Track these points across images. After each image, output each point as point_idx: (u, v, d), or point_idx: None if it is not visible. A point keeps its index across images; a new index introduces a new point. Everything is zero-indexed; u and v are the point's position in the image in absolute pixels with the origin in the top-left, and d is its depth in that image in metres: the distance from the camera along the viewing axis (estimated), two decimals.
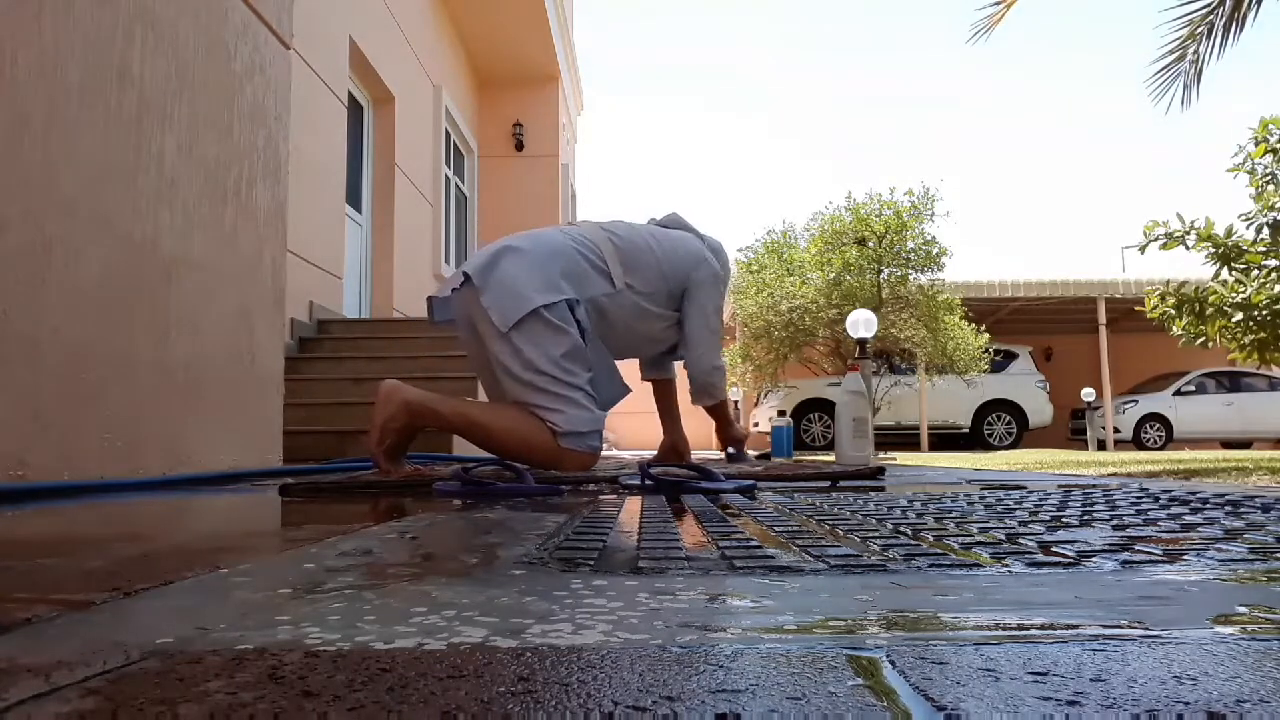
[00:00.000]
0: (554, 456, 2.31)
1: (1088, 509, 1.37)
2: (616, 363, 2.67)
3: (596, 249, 2.53)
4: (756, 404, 13.50)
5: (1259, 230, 5.38)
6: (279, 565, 0.86)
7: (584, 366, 2.39)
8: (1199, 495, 1.67)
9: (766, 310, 10.94)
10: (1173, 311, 5.76)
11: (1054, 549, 0.92)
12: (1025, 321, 16.58)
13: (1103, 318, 14.71)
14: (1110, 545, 0.95)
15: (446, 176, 9.68)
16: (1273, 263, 5.25)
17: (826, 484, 2.16)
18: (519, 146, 11.32)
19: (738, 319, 11.95)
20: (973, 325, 11.44)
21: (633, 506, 1.51)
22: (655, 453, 3.12)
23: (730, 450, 3.23)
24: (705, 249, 2.77)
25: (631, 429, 15.44)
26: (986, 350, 11.39)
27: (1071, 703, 0.40)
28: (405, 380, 2.43)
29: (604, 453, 2.50)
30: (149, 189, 2.63)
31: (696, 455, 3.79)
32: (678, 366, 3.02)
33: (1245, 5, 5.13)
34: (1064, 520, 1.21)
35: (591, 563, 0.85)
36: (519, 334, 2.31)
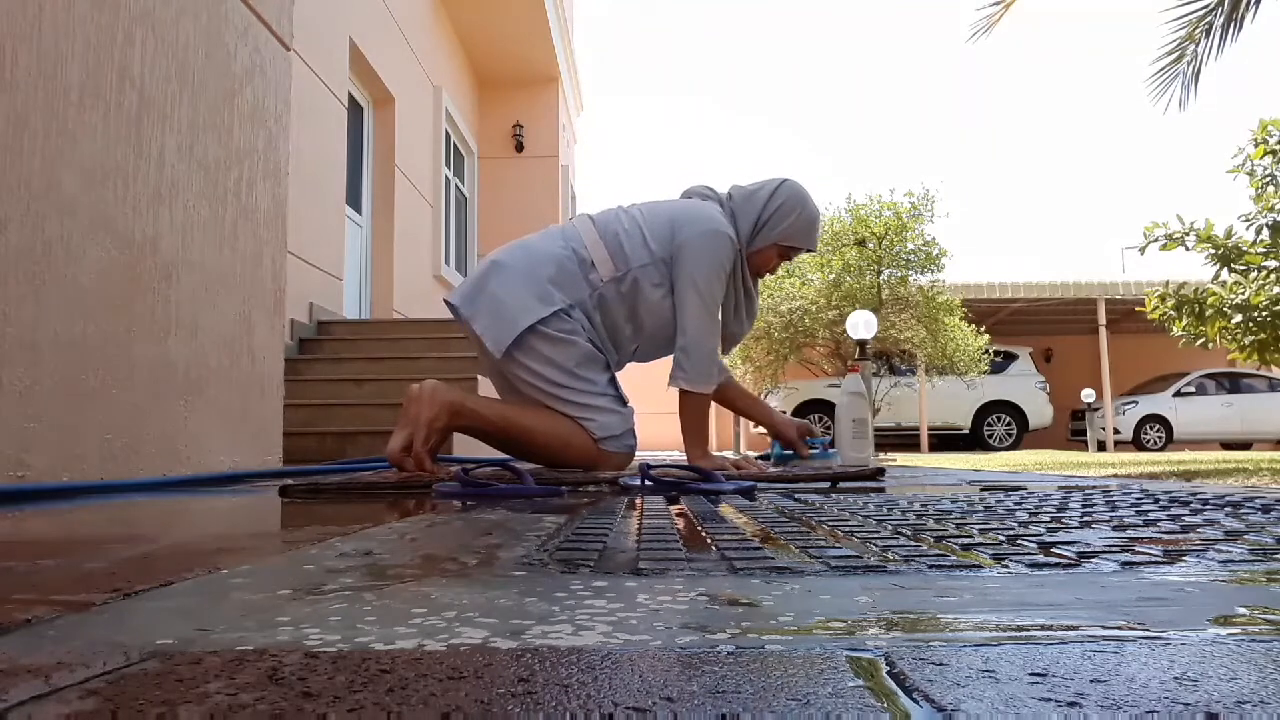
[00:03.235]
0: (594, 457, 2.34)
1: (1088, 510, 1.37)
2: (651, 362, 2.61)
3: (582, 242, 2.43)
4: None
5: (1259, 231, 5.39)
6: (279, 566, 0.86)
7: (601, 370, 2.38)
8: (1199, 496, 1.67)
9: (766, 311, 10.94)
10: (1173, 312, 5.77)
11: (1054, 550, 0.92)
12: (1025, 323, 16.60)
13: (1103, 319, 14.73)
14: (1110, 546, 0.95)
15: (446, 177, 9.68)
16: (1272, 264, 5.26)
17: (826, 485, 2.16)
18: (519, 148, 11.33)
19: None
20: (973, 326, 11.45)
21: (632, 508, 1.51)
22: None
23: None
24: (701, 209, 2.44)
25: (647, 429, 15.45)
26: (986, 351, 11.41)
27: (1071, 704, 0.40)
28: (406, 381, 2.43)
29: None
30: (149, 189, 2.63)
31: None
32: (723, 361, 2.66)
33: (1243, 6, 5.14)
34: (1064, 521, 1.21)
35: (591, 564, 0.85)
36: (524, 353, 2.31)
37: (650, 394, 2.69)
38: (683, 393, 2.42)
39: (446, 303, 2.49)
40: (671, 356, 2.51)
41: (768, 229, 2.52)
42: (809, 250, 2.64)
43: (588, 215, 2.53)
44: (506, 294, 2.33)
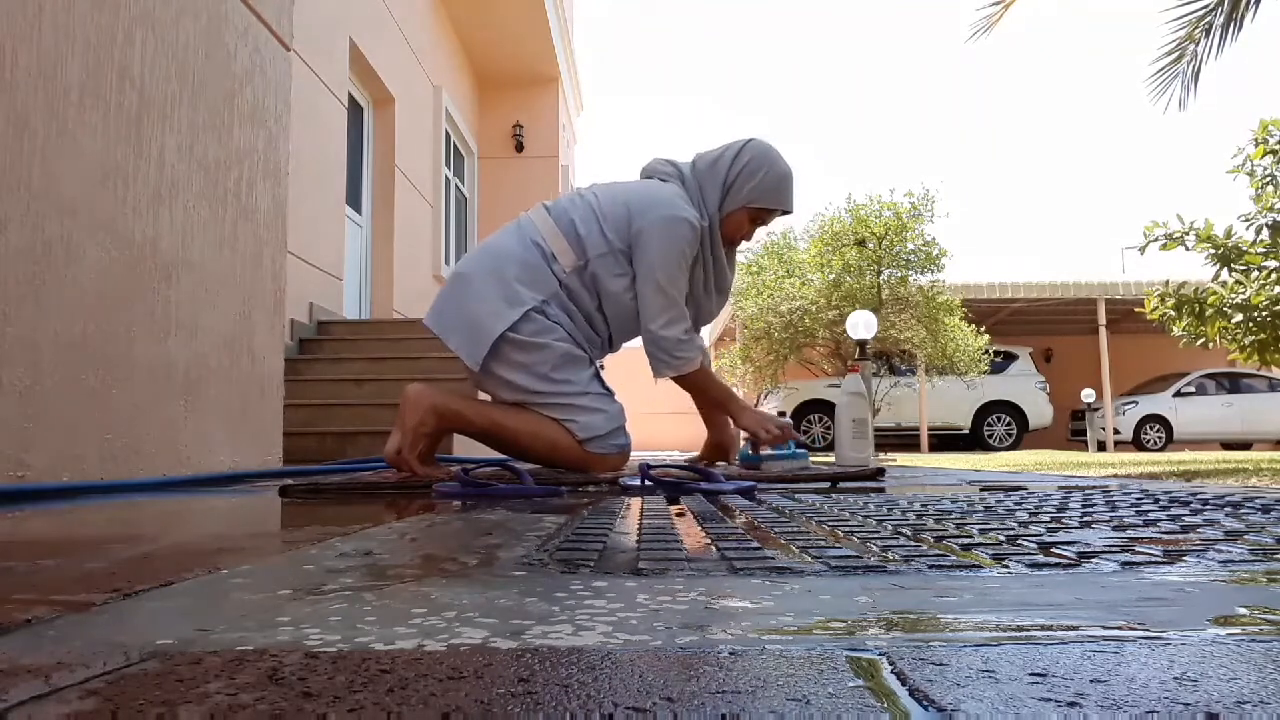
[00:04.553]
0: (581, 459, 2.27)
1: (1088, 510, 1.37)
2: (624, 348, 2.56)
3: (540, 234, 2.35)
4: (757, 405, 13.50)
5: (1258, 231, 5.39)
6: (279, 566, 0.86)
7: (581, 368, 2.30)
8: (1199, 496, 1.67)
9: (766, 312, 10.94)
10: (1173, 312, 5.77)
11: (1054, 550, 0.92)
12: (1025, 323, 16.59)
13: (1103, 319, 14.72)
14: (1110, 546, 0.95)
15: (446, 177, 9.68)
16: (1272, 264, 5.26)
17: (826, 485, 2.16)
18: (519, 148, 11.33)
19: (738, 320, 11.95)
20: (973, 326, 11.44)
21: (632, 507, 1.51)
22: (698, 453, 2.84)
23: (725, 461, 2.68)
24: (657, 192, 2.37)
25: (647, 429, 15.45)
26: (986, 351, 11.40)
27: (1071, 704, 0.40)
28: (406, 381, 2.41)
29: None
30: (149, 189, 2.63)
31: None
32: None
33: (1243, 5, 5.14)
34: (1064, 521, 1.21)
35: (591, 564, 0.85)
36: (498, 364, 2.25)
37: (652, 394, 2.56)
38: (680, 378, 2.40)
39: (424, 323, 2.42)
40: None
41: (734, 191, 2.42)
42: (785, 211, 2.52)
43: (543, 205, 2.45)
44: (474, 305, 2.26)
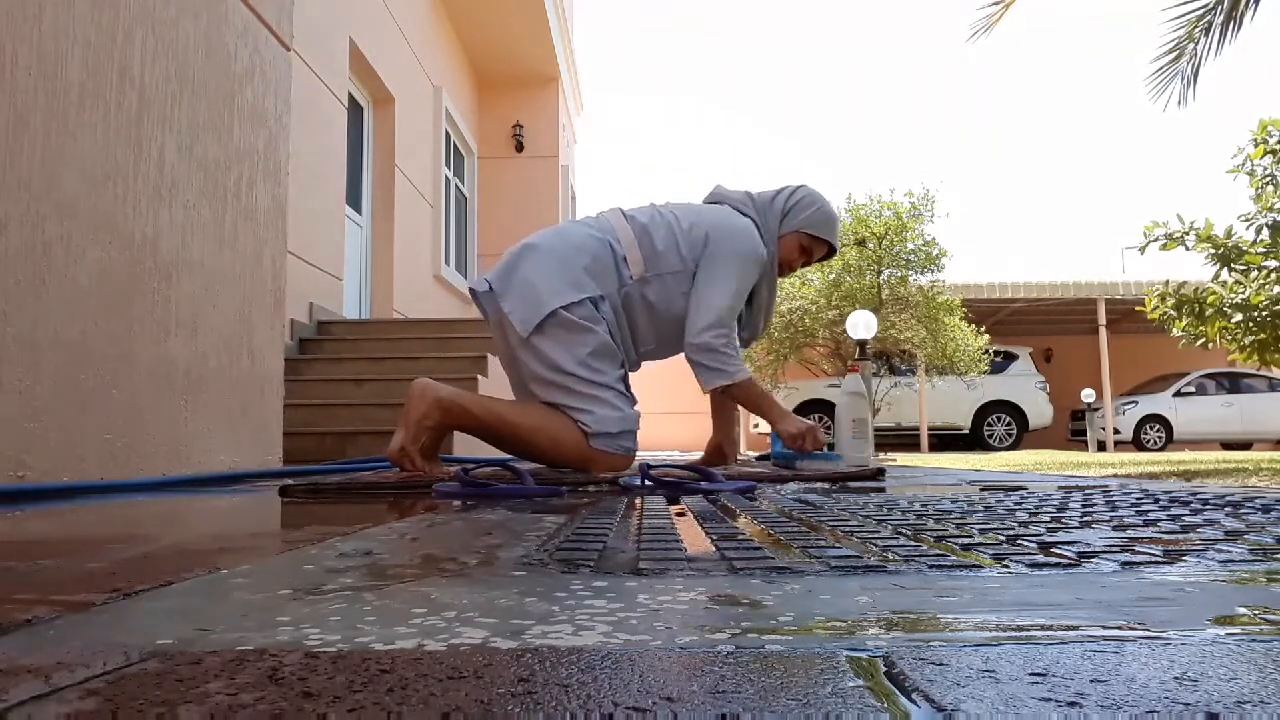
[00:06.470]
0: (585, 457, 2.28)
1: (1088, 510, 1.37)
2: (669, 360, 2.67)
3: (616, 236, 2.45)
4: None
5: (1258, 231, 5.39)
6: (279, 566, 0.86)
7: (613, 364, 2.35)
8: (1199, 496, 1.67)
9: None
10: (1173, 312, 5.77)
11: (1054, 550, 0.92)
12: (1025, 323, 16.60)
13: (1103, 319, 14.73)
14: (1110, 546, 0.95)
15: (446, 177, 9.68)
16: (1272, 264, 5.26)
17: (826, 485, 2.16)
18: (519, 147, 11.33)
19: None
20: (973, 326, 11.45)
21: (633, 507, 1.51)
22: (701, 454, 2.96)
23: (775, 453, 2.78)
24: (737, 223, 2.53)
25: (647, 429, 15.43)
26: (986, 351, 11.41)
27: (1071, 704, 0.40)
28: (406, 381, 2.42)
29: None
30: (149, 189, 2.63)
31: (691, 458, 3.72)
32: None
33: (1243, 4, 5.14)
34: (1064, 521, 1.21)
35: (591, 564, 0.85)
36: (541, 337, 2.29)
37: (659, 394, 2.60)
38: (728, 388, 2.48)
39: (471, 290, 2.50)
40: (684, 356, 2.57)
41: (790, 217, 2.67)
42: (830, 245, 2.74)
43: (619, 209, 2.57)
44: (539, 276, 2.33)
